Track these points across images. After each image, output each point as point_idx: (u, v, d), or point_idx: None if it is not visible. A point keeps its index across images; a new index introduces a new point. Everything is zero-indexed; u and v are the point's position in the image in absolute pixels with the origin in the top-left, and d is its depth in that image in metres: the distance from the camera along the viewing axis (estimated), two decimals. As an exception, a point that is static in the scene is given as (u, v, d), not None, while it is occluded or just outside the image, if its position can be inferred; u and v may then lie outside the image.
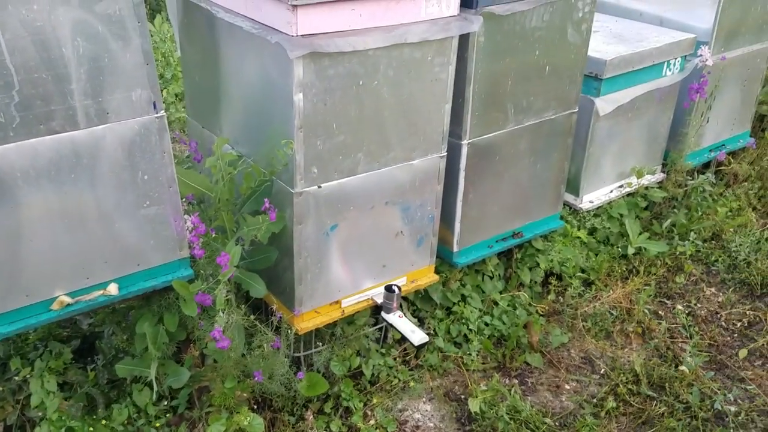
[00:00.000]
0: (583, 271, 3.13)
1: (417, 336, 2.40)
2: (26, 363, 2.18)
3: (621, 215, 3.29)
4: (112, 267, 1.94)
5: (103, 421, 2.14)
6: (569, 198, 3.19)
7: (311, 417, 2.41)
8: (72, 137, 1.74)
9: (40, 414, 2.10)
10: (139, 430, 2.18)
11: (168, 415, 2.24)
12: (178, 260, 2.06)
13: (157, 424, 2.19)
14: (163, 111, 1.85)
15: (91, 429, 2.09)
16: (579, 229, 3.16)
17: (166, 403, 2.25)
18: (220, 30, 2.21)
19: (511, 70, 2.44)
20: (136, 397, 2.18)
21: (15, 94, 1.62)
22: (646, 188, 3.39)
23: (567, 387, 2.70)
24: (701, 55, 3.24)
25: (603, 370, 2.77)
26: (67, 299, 1.88)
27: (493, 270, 2.94)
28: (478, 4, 2.20)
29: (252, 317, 2.17)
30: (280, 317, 2.28)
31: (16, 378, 2.17)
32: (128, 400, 2.20)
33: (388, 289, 2.45)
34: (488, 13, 2.24)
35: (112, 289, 1.94)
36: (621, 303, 3.04)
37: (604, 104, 2.97)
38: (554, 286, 3.07)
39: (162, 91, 4.27)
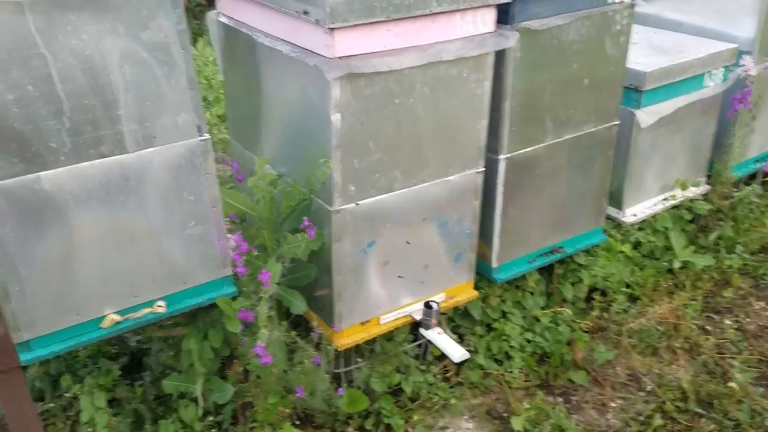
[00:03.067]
0: (627, 286, 3.07)
1: (458, 353, 2.39)
2: (76, 380, 2.25)
3: (666, 228, 3.22)
4: (160, 285, 2.00)
5: (151, 437, 2.19)
6: (612, 211, 3.14)
7: (353, 434, 2.42)
8: (120, 161, 1.81)
9: (90, 430, 2.16)
10: (185, 446, 2.23)
11: (213, 430, 2.28)
12: (222, 278, 2.11)
13: (202, 440, 2.23)
14: (207, 134, 1.91)
15: (139, 444, 2.14)
16: (623, 243, 3.11)
17: (211, 418, 2.29)
18: (261, 54, 2.27)
19: (548, 84, 2.43)
20: (183, 413, 2.23)
21: (66, 120, 1.70)
22: (691, 201, 3.31)
23: (613, 405, 2.64)
24: (744, 65, 3.17)
25: (650, 387, 2.70)
26: (117, 317, 1.94)
27: (534, 286, 2.91)
28: (515, 19, 2.21)
29: (293, 333, 2.20)
30: (320, 334, 2.30)
31: (67, 395, 2.24)
32: (175, 416, 2.24)
33: (427, 305, 2.45)
34: (524, 29, 2.25)
35: (160, 306, 2.00)
36: (667, 318, 2.97)
37: (645, 116, 2.93)
38: (598, 302, 3.01)
39: (205, 113, 4.37)
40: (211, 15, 2.54)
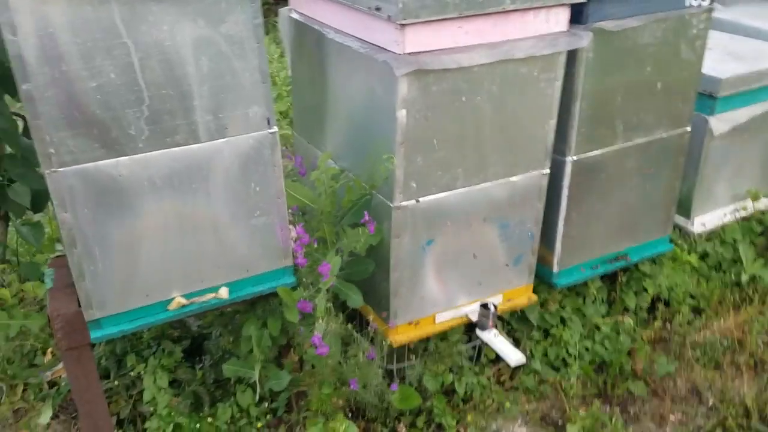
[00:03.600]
0: (693, 297, 2.97)
1: (514, 356, 2.36)
2: (140, 360, 2.33)
3: (735, 240, 3.10)
4: (224, 272, 2.05)
5: (209, 419, 2.24)
6: (680, 220, 3.04)
7: (404, 430, 2.42)
8: (193, 150, 1.86)
9: (151, 409, 2.23)
10: (241, 430, 2.27)
11: (268, 416, 2.32)
12: (283, 268, 2.15)
13: (258, 425, 2.27)
14: (275, 127, 1.95)
15: (198, 425, 2.20)
16: (689, 254, 3.00)
17: (266, 404, 2.33)
18: (330, 49, 2.30)
19: (620, 86, 2.37)
20: (240, 398, 2.28)
21: (145, 108, 1.76)
22: (762, 212, 3.18)
23: (672, 418, 2.56)
24: (826, 73, 3.02)
25: (711, 402, 2.61)
26: (183, 300, 2.00)
27: (595, 293, 2.85)
28: (588, 19, 2.17)
29: (349, 326, 2.22)
30: (375, 328, 2.31)
31: (131, 374, 2.32)
32: (232, 400, 2.30)
33: (484, 306, 2.43)
34: (598, 29, 2.20)
35: (223, 292, 2.05)
36: (733, 333, 2.86)
37: (719, 123, 2.83)
38: (661, 312, 2.92)
39: (269, 107, 4.45)
40: (283, 11, 2.58)
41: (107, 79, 1.69)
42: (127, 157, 1.79)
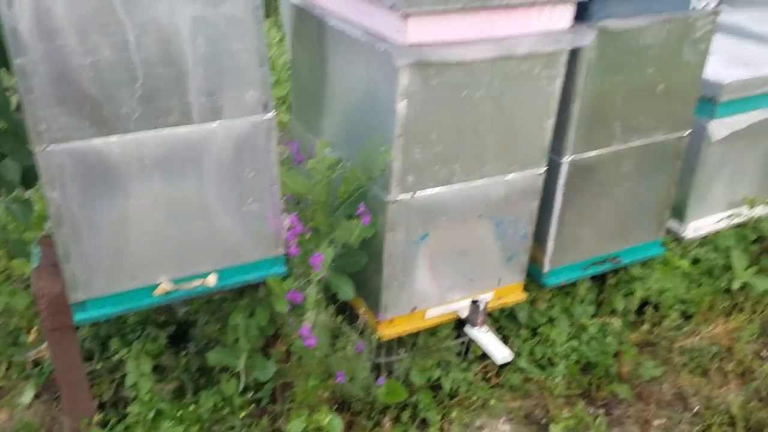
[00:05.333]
0: (682, 302, 2.97)
1: (501, 354, 2.35)
2: (124, 344, 2.29)
3: (728, 247, 3.10)
4: (213, 259, 2.02)
5: (191, 407, 2.22)
6: (673, 225, 3.04)
7: (388, 424, 2.41)
8: (186, 131, 1.82)
9: (133, 394, 2.21)
10: (224, 419, 2.25)
11: (252, 406, 2.30)
12: (274, 257, 2.12)
13: (241, 415, 2.25)
14: (272, 112, 1.91)
15: (180, 413, 2.18)
16: (681, 258, 3.00)
17: (250, 394, 2.31)
18: (331, 37, 2.26)
19: (621, 87, 2.35)
20: (224, 386, 2.25)
21: (138, 87, 1.72)
22: (758, 220, 3.18)
23: (656, 423, 2.56)
24: (829, 82, 3.01)
25: (696, 408, 2.61)
26: (170, 286, 1.96)
27: (584, 293, 2.84)
28: (593, 17, 2.14)
29: (338, 319, 2.19)
30: (365, 322, 2.29)
31: (114, 358, 2.29)
32: (216, 389, 2.27)
33: (475, 302, 2.41)
34: (602, 28, 2.17)
35: (212, 279, 2.02)
36: (721, 340, 2.86)
37: (719, 128, 2.82)
38: (650, 316, 2.92)
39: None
40: (283, -5, 2.54)
41: (101, 56, 1.64)
42: (118, 136, 1.75)
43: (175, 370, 2.35)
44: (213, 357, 2.21)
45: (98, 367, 2.38)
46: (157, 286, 1.97)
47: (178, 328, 2.53)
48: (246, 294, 2.22)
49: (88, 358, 2.41)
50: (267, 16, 5.84)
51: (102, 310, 1.93)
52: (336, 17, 2.20)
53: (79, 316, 1.92)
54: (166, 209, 1.88)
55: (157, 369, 2.32)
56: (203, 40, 1.74)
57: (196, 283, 2.01)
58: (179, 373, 2.35)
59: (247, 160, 1.93)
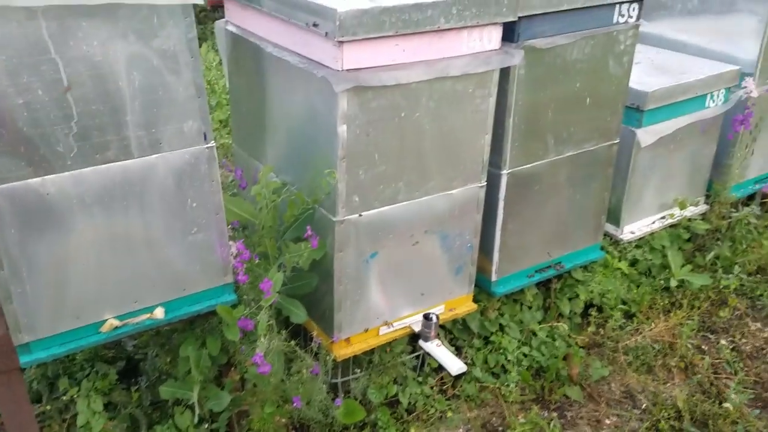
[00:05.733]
0: (624, 303, 3.09)
1: (455, 365, 2.40)
2: (73, 383, 2.24)
3: (663, 247, 3.24)
4: (159, 291, 2.00)
5: (146, 442, 2.18)
6: (610, 228, 3.16)
7: (348, 444, 2.42)
8: (126, 166, 1.82)
9: (85, 433, 2.15)
10: (180, 452, 2.22)
11: (208, 438, 2.27)
12: (222, 285, 2.11)
13: (198, 447, 2.22)
14: (213, 142, 1.92)
15: (134, 449, 2.14)
16: (620, 261, 3.12)
17: (206, 426, 2.28)
18: (268, 63, 2.29)
19: (551, 101, 2.45)
20: (178, 420, 2.22)
21: (74, 125, 1.71)
22: (689, 220, 3.33)
23: (607, 422, 2.65)
24: (746, 87, 3.20)
25: (644, 405, 2.71)
26: (116, 322, 1.94)
27: (531, 300, 2.92)
28: (520, 38, 2.23)
29: (292, 343, 2.20)
30: (319, 343, 2.30)
31: (64, 397, 2.23)
32: (170, 422, 2.24)
33: (426, 317, 2.46)
34: (529, 47, 2.27)
35: (159, 313, 2.00)
36: (663, 337, 2.99)
37: (646, 135, 2.96)
38: (594, 317, 3.03)
39: (207, 118, 4.36)
40: (219, 23, 2.55)
41: (34, 95, 1.63)
42: (56, 175, 1.73)
43: (127, 406, 2.31)
44: (165, 390, 2.18)
45: (48, 408, 2.31)
46: (103, 322, 1.94)
47: (128, 363, 2.49)
48: (196, 324, 2.20)
49: (37, 399, 2.34)
50: (204, 39, 5.82)
51: (48, 351, 1.89)
52: (272, 44, 2.23)
53: (24, 359, 1.87)
54: (109, 245, 1.87)
55: (109, 406, 2.27)
56: (138, 74, 1.74)
57: (144, 317, 1.99)
58: (132, 409, 2.31)
59: (190, 191, 1.93)
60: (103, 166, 1.78)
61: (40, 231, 1.76)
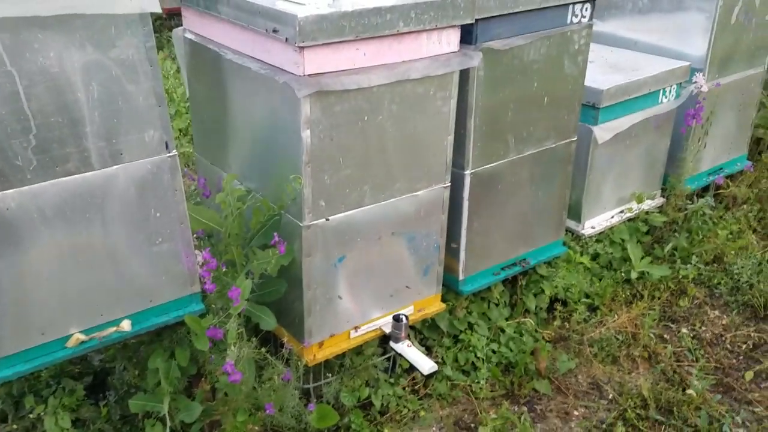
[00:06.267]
0: (587, 296, 3.16)
1: (426, 365, 2.42)
2: (40, 400, 2.19)
3: (623, 240, 3.33)
4: (125, 304, 1.97)
5: (117, 458, 2.15)
6: (571, 224, 3.23)
7: (322, 449, 2.42)
8: (86, 178, 1.79)
9: (53, 451, 2.11)
10: (152, 466, 2.19)
11: (180, 450, 2.25)
12: (190, 295, 2.09)
13: (170, 459, 2.19)
14: (174, 150, 1.90)
15: (105, 465, 2.10)
16: (582, 255, 3.19)
17: (178, 437, 2.26)
18: (229, 70, 2.28)
19: (510, 101, 2.50)
20: (149, 433, 2.19)
21: (32, 138, 1.68)
22: (647, 213, 3.43)
23: (576, 413, 2.70)
24: (696, 82, 3.31)
25: (611, 395, 2.78)
26: (82, 336, 1.91)
27: (498, 297, 2.97)
28: (477, 40, 2.27)
29: (263, 350, 2.19)
30: (290, 349, 2.30)
31: (31, 415, 2.18)
32: (141, 436, 2.21)
33: (396, 318, 2.48)
34: (487, 49, 2.31)
35: (125, 325, 1.97)
36: (626, 328, 3.06)
37: (603, 132, 3.03)
38: (559, 312, 3.09)
39: (167, 127, 4.32)
40: (177, 32, 2.53)
41: (-10, 109, 1.60)
42: (15, 190, 1.69)
43: (96, 422, 2.27)
44: (135, 404, 2.15)
45: (14, 427, 2.25)
46: (69, 337, 1.90)
47: (96, 378, 2.44)
48: (164, 335, 2.17)
49: (2, 419, 2.28)
50: (160, 48, 5.75)
51: (12, 369, 1.85)
52: (232, 51, 2.22)
53: (-14, 378, 1.83)
54: (72, 259, 1.83)
55: (78, 422, 2.23)
56: (97, 85, 1.72)
57: (110, 330, 1.96)
58: (101, 424, 2.27)
59: (153, 201, 1.91)
60: (64, 178, 1.76)
61: (0, 246, 1.71)
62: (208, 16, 2.28)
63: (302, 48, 1.89)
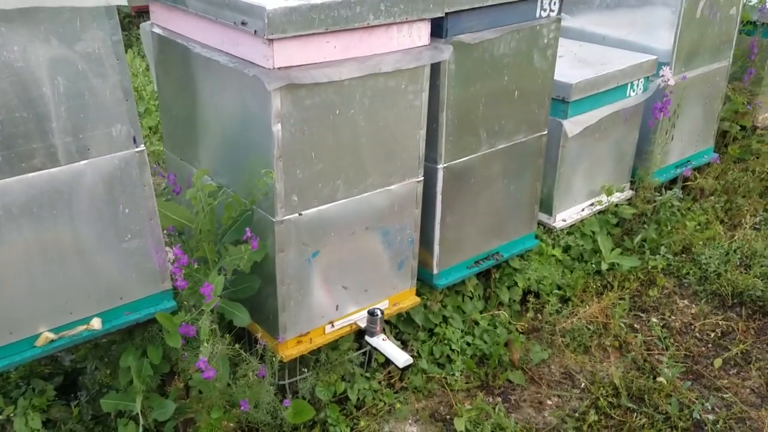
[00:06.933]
0: (559, 288, 3.20)
1: (402, 358, 2.43)
2: (9, 402, 2.15)
3: (593, 232, 3.37)
4: (95, 301, 1.95)
5: (88, 458, 2.12)
6: (543, 217, 3.27)
7: (298, 444, 2.41)
8: (53, 174, 1.76)
9: (24, 453, 2.07)
10: (125, 466, 2.16)
11: (154, 449, 2.23)
12: (161, 292, 2.07)
13: (144, 459, 2.17)
14: (143, 145, 1.88)
15: (76, 466, 2.07)
16: (554, 248, 3.23)
17: (151, 436, 2.24)
18: (197, 64, 2.26)
19: (481, 95, 2.52)
20: (122, 432, 2.17)
21: (-4, 133, 1.64)
22: (616, 205, 3.48)
23: (549, 402, 2.74)
24: (663, 76, 3.37)
25: (583, 384, 2.82)
26: (51, 335, 1.87)
27: (472, 290, 2.99)
28: (448, 33, 2.29)
29: (236, 346, 2.18)
30: (265, 345, 2.29)
31: (0, 417, 2.14)
32: (113, 436, 2.18)
33: (371, 313, 2.48)
34: (458, 42, 2.32)
35: (96, 323, 1.95)
36: (597, 318, 3.11)
37: (572, 126, 3.07)
38: (532, 303, 3.12)
39: (137, 124, 4.27)
40: (144, 26, 2.50)
41: (-50, 103, 1.56)
42: (-21, 187, 1.66)
43: (67, 422, 2.23)
44: (107, 403, 2.12)
45: (-19, 431, 2.21)
46: (38, 336, 1.87)
47: (66, 378, 2.41)
48: (135, 333, 2.15)
49: (-32, 423, 2.24)
50: (129, 45, 5.67)
51: (-22, 370, 1.81)
52: (200, 45, 2.20)
53: (-49, 381, 1.79)
54: (40, 256, 1.80)
55: (48, 423, 2.19)
56: (63, 79, 1.69)
57: (80, 328, 1.93)
58: (73, 425, 2.23)
59: (121, 197, 1.88)
60: (30, 174, 1.72)
61: (-37, 245, 1.68)
62: (176, 9, 2.26)
63: (271, 41, 1.88)
